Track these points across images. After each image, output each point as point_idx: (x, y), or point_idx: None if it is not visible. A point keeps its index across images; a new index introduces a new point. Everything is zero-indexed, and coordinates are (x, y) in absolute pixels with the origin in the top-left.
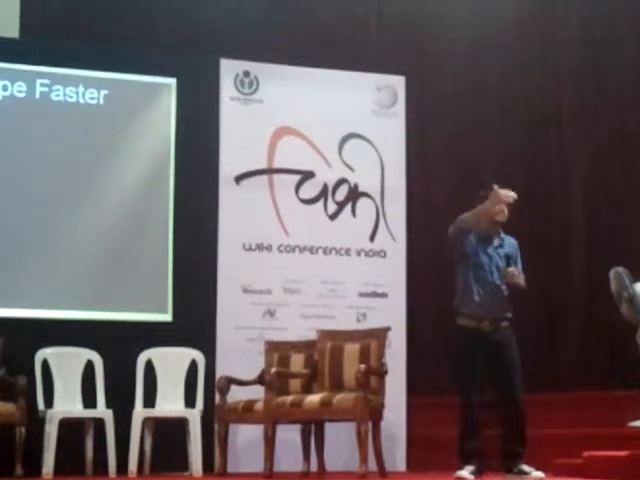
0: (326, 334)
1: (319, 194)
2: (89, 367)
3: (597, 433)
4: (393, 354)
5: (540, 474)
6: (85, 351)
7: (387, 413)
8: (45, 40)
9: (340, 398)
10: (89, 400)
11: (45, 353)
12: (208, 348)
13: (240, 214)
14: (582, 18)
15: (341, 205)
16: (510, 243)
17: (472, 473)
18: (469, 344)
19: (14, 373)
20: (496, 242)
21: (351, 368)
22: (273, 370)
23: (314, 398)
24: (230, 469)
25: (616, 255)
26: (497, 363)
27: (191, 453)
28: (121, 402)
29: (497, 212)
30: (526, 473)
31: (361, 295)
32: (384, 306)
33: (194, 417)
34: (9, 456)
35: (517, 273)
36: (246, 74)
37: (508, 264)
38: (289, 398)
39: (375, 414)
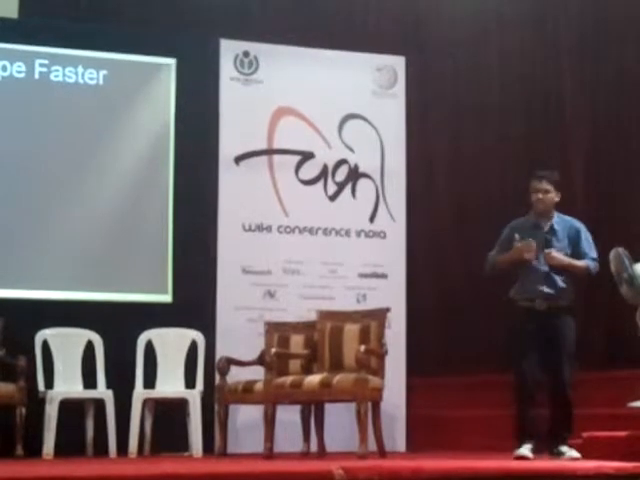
0: (326, 315)
1: (319, 175)
2: (89, 348)
3: (597, 413)
4: (393, 335)
5: (575, 454)
6: (85, 332)
7: (387, 394)
8: (44, 20)
9: (340, 379)
10: (89, 381)
11: (45, 334)
12: (208, 329)
13: (240, 195)
14: None
15: (341, 186)
16: (567, 225)
17: (531, 451)
18: (524, 323)
19: (14, 354)
20: (547, 227)
21: (351, 349)
22: (273, 351)
23: (314, 379)
24: (230, 449)
25: (616, 236)
26: (549, 346)
27: (191, 433)
28: (121, 383)
29: (533, 203)
30: (562, 453)
31: (361, 276)
32: (384, 287)
33: (194, 398)
34: (9, 437)
35: (554, 253)
36: (246, 54)
37: (549, 245)
38: (289, 379)
39: (375, 395)
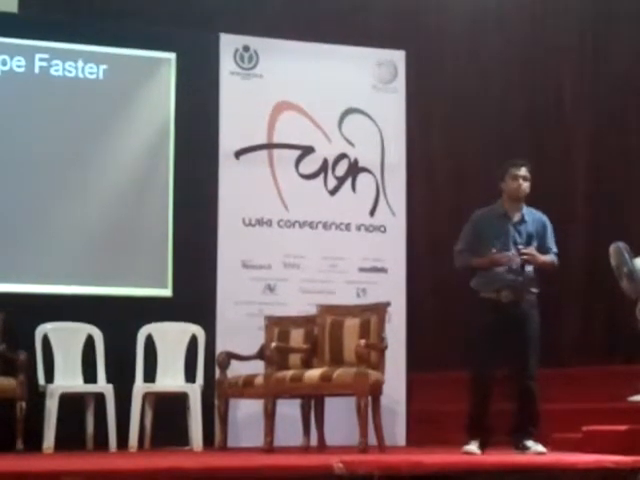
0: (326, 309)
1: (319, 169)
2: (89, 342)
3: (596, 408)
4: (393, 329)
5: (541, 449)
6: (85, 326)
7: (387, 388)
8: (44, 15)
9: (340, 373)
10: (89, 375)
11: (45, 328)
12: (208, 323)
13: (240, 189)
14: None
15: (341, 180)
16: (535, 219)
17: (479, 447)
18: (487, 316)
19: (15, 348)
20: (516, 218)
21: (351, 343)
22: (273, 345)
23: (314, 373)
24: (230, 443)
25: (616, 231)
26: (514, 337)
27: (191, 428)
28: (121, 377)
29: (513, 189)
30: (528, 448)
31: (361, 270)
32: (384, 281)
33: (194, 392)
34: (10, 431)
35: (533, 252)
36: (246, 49)
37: (530, 241)
38: (289, 373)
39: (375, 389)
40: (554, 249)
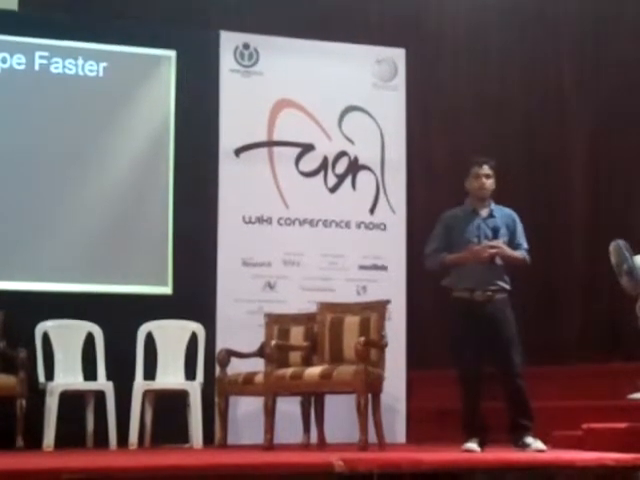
0: (326, 307)
1: (319, 167)
2: (89, 340)
3: (597, 405)
4: (393, 327)
5: (541, 446)
6: (85, 324)
7: (387, 386)
8: (44, 12)
9: (340, 371)
10: (89, 372)
11: (45, 326)
12: (208, 321)
13: (240, 187)
14: None
15: (341, 178)
16: (504, 214)
17: (478, 444)
18: (463, 315)
19: (15, 346)
20: (484, 213)
21: (351, 341)
22: (273, 343)
23: (314, 371)
24: (230, 441)
25: (616, 228)
26: (493, 337)
27: (191, 425)
28: (122, 374)
29: (476, 188)
30: (528, 445)
31: (361, 268)
32: (384, 279)
33: (194, 389)
34: (10, 428)
35: (500, 244)
36: (246, 46)
37: (496, 234)
38: (289, 370)
39: (375, 387)
40: (525, 245)
